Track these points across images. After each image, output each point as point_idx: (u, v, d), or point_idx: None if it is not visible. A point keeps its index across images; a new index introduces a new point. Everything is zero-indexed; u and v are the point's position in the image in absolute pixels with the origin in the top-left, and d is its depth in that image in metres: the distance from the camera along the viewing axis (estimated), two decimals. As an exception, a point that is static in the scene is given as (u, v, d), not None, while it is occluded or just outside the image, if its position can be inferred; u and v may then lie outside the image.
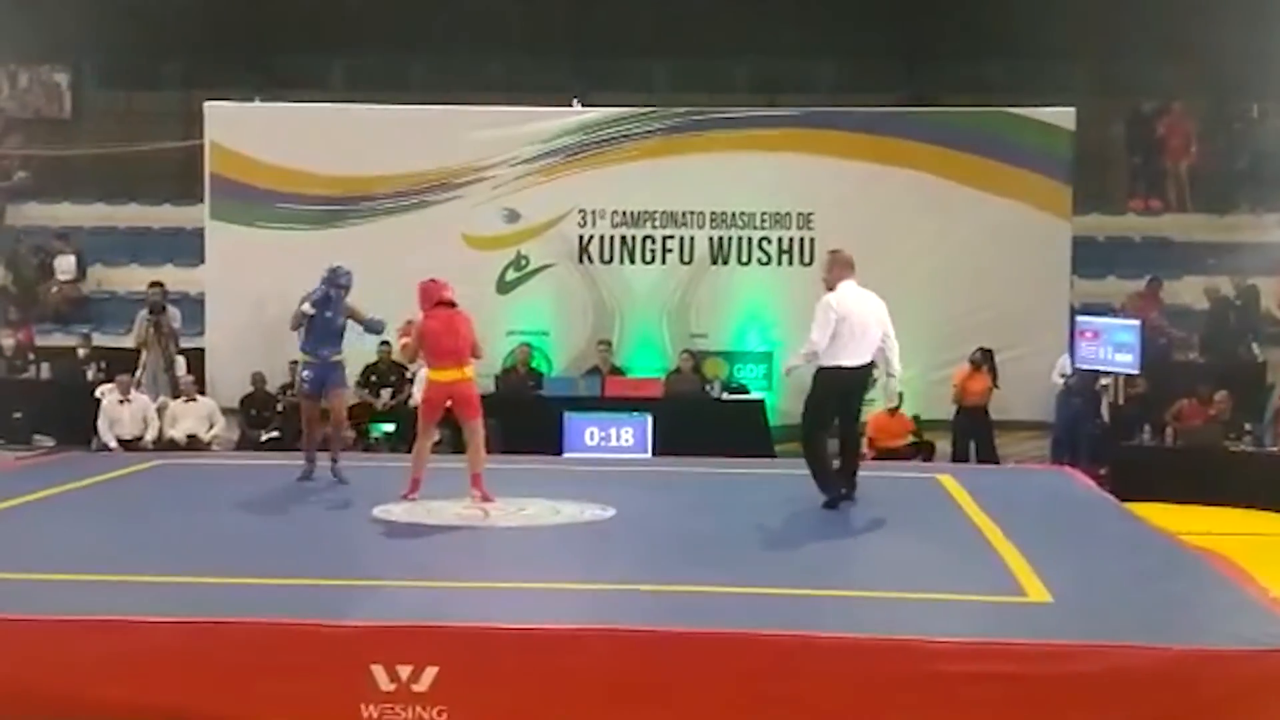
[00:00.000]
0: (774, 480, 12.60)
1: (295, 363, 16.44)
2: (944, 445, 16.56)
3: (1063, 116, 17.38)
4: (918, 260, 16.97)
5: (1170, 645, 6.59)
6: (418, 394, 15.64)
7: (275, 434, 16.65)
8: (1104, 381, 16.30)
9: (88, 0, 20.70)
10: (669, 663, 6.64)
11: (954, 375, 16.60)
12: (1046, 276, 17.06)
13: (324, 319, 11.76)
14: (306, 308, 11.68)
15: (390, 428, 16.60)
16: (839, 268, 10.73)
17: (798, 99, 19.13)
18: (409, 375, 16.58)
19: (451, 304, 10.79)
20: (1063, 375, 16.50)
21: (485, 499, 10.46)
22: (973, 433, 16.43)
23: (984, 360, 16.47)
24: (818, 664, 6.58)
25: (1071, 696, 6.42)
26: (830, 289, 10.62)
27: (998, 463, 15.98)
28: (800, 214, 17.36)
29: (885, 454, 15.97)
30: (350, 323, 12.06)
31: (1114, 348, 15.84)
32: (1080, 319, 16.54)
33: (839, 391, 10.58)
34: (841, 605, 7.44)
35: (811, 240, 17.22)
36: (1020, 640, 6.65)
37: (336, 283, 11.78)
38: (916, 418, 16.35)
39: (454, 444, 13.06)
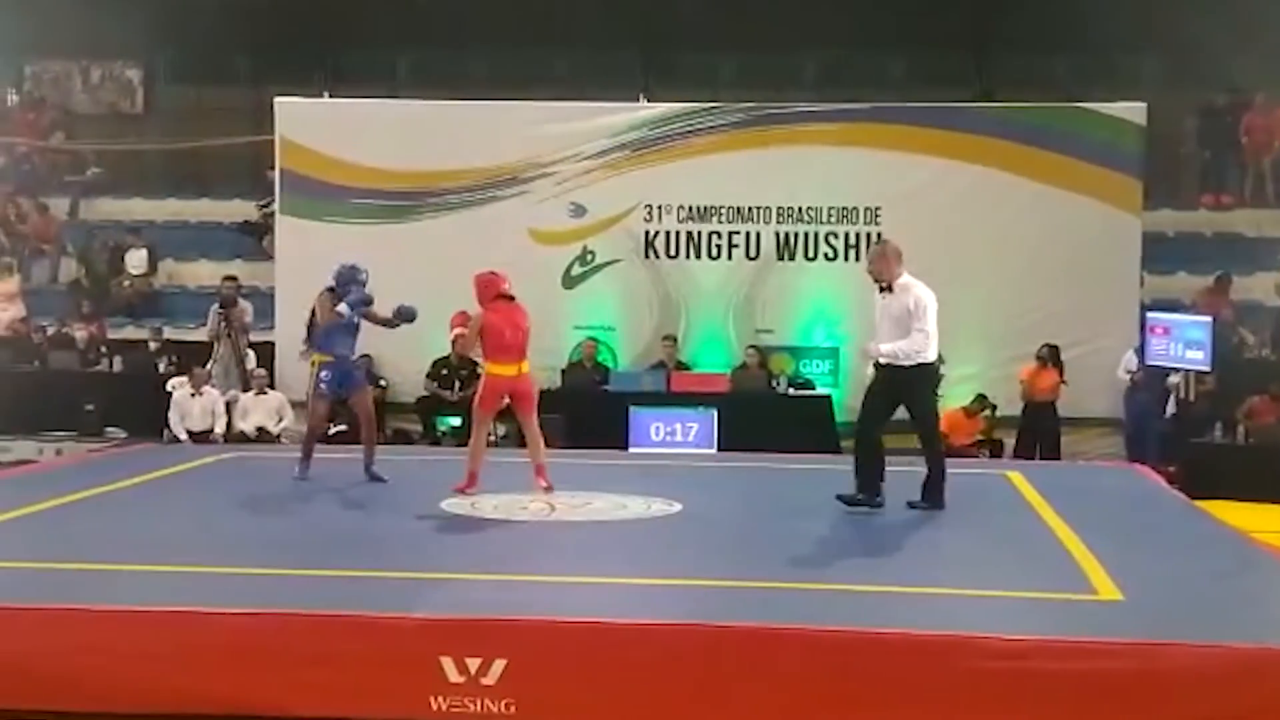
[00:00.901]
0: (840, 476, 12.53)
1: (364, 356, 16.70)
2: (1009, 441, 16.48)
3: (1133, 111, 17.25)
4: (986, 255, 16.94)
5: (1243, 644, 6.52)
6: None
7: (343, 427, 16.74)
8: (1174, 379, 16.16)
9: (160, -2, 20.99)
10: (735, 658, 6.64)
11: (1020, 372, 16.49)
12: (1116, 272, 16.93)
13: (351, 316, 11.42)
14: (343, 309, 11.23)
15: (457, 421, 16.67)
16: (896, 259, 10.24)
17: (864, 93, 19.05)
18: (480, 370, 16.63)
19: (510, 297, 10.77)
20: (1128, 371, 16.38)
21: (549, 488, 10.52)
22: (1040, 429, 16.32)
23: (1050, 356, 16.37)
24: (885, 661, 6.55)
25: (1143, 695, 6.37)
26: (885, 282, 10.14)
27: (1059, 459, 15.87)
28: (868, 209, 17.31)
29: (953, 451, 15.92)
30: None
31: (1185, 344, 15.68)
32: (1151, 315, 16.39)
33: (932, 389, 10.40)
34: (909, 602, 7.41)
35: (879, 236, 17.12)
36: (1092, 638, 6.60)
37: (358, 279, 11.36)
38: (990, 416, 16.33)
39: (517, 439, 13.14)
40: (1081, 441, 16.66)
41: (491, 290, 10.71)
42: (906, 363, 9.94)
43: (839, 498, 10.09)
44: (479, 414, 10.87)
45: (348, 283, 11.35)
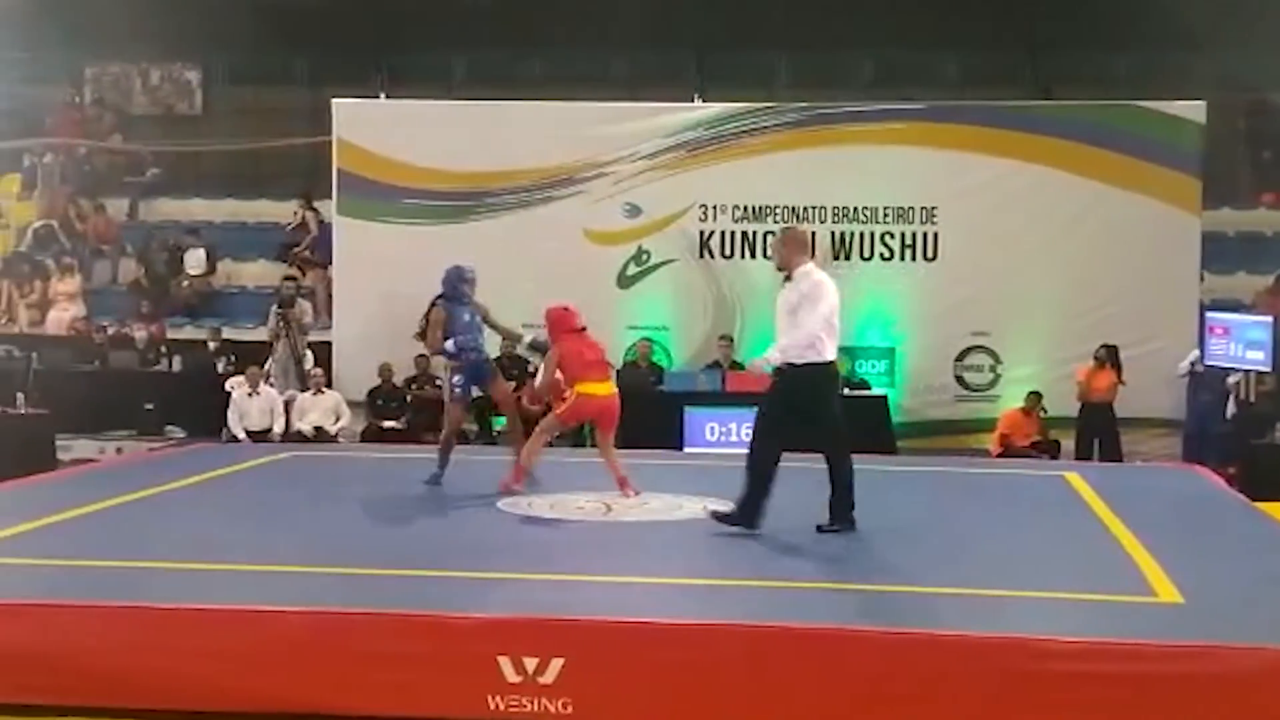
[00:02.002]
0: (896, 477, 12.53)
1: (421, 356, 16.77)
2: (1067, 443, 16.37)
3: (1192, 110, 17.11)
4: (1044, 256, 16.90)
5: (1306, 647, 6.47)
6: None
7: (395, 424, 16.86)
8: (1233, 379, 16.02)
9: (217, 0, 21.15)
10: (791, 658, 6.62)
11: (1077, 373, 16.39)
12: (1175, 272, 16.80)
13: (465, 316, 11.27)
14: (450, 346, 11.08)
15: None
16: (797, 247, 9.41)
17: (920, 92, 19.00)
18: (530, 370, 16.68)
19: (582, 329, 10.83)
20: (1191, 363, 16.18)
21: (636, 491, 10.61)
22: (1097, 430, 16.20)
23: (1108, 357, 16.25)
24: (942, 663, 6.52)
25: (1204, 698, 6.31)
26: (786, 271, 9.29)
27: (1121, 461, 15.77)
28: (924, 209, 17.24)
29: (1011, 452, 15.87)
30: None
31: (1245, 345, 15.58)
32: (1210, 315, 16.28)
33: (832, 392, 9.35)
34: (967, 603, 7.38)
35: (935, 235, 17.14)
36: (1151, 641, 6.56)
37: (465, 278, 11.27)
38: (1044, 414, 16.27)
39: (571, 438, 13.19)
40: (1140, 442, 16.54)
41: (564, 325, 10.80)
42: (798, 360, 9.08)
43: (714, 514, 9.42)
44: (555, 423, 10.82)
45: (456, 283, 11.25)
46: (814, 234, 17.34)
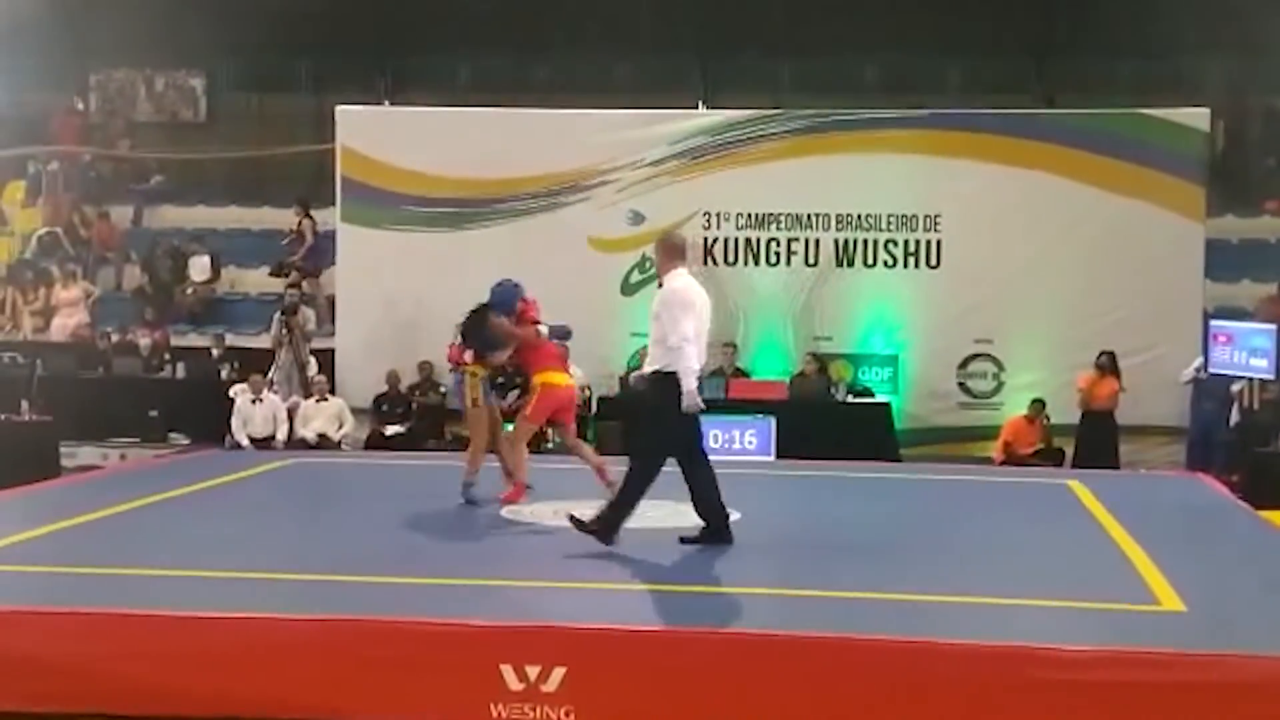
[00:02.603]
0: (899, 484, 12.55)
1: (425, 363, 16.82)
2: (1069, 450, 16.36)
3: (1196, 117, 17.09)
4: (1047, 263, 16.86)
5: (1308, 656, 6.47)
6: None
7: (398, 429, 16.87)
8: (1237, 387, 16.01)
9: (222, 6, 21.17)
10: (794, 666, 6.62)
11: (1078, 380, 16.37)
12: (1179, 279, 16.76)
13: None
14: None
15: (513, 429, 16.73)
16: (667, 254, 9.25)
17: (926, 99, 18.98)
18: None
19: (537, 323, 10.82)
20: (1195, 370, 16.16)
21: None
22: (1098, 438, 16.18)
23: (1110, 364, 16.23)
24: (944, 671, 6.52)
25: (1206, 706, 6.32)
26: (660, 278, 9.32)
27: (1118, 468, 15.76)
28: (927, 216, 17.22)
29: (1015, 460, 15.86)
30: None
31: (1249, 352, 15.55)
32: (1214, 323, 16.25)
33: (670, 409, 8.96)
34: (970, 612, 7.39)
35: (939, 243, 17.11)
36: (1154, 649, 6.55)
37: (522, 297, 10.98)
38: (1048, 422, 16.25)
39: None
40: (1144, 450, 16.52)
41: (526, 316, 10.83)
42: (650, 368, 9.08)
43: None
44: (528, 425, 10.87)
45: (512, 301, 10.94)
46: (818, 240, 17.45)
